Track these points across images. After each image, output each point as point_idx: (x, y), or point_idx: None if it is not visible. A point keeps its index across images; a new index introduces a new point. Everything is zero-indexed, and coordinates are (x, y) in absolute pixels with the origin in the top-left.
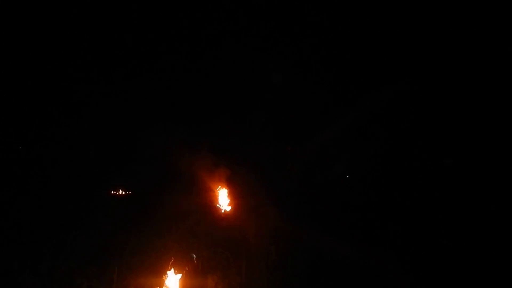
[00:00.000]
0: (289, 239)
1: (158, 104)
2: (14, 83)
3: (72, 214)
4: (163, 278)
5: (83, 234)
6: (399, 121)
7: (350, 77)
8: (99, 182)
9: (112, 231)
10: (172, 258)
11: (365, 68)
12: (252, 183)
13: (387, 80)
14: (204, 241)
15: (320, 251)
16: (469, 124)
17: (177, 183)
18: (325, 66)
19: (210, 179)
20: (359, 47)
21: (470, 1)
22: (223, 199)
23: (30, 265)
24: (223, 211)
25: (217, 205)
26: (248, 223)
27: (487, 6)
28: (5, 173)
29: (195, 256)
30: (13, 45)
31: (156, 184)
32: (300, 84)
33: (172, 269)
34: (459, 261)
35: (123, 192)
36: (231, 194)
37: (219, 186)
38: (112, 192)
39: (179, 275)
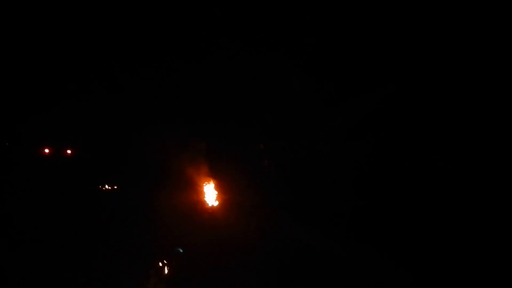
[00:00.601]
0: (273, 233)
1: (147, 102)
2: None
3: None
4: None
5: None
6: (382, 119)
7: (335, 75)
8: (86, 177)
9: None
10: (159, 254)
11: (350, 66)
12: (237, 179)
13: (371, 80)
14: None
15: (303, 245)
16: (459, 123)
17: (164, 178)
18: (311, 64)
19: (197, 175)
20: (344, 45)
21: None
22: (210, 195)
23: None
24: (210, 206)
25: (204, 200)
26: (234, 218)
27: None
28: None
29: (181, 251)
30: None
31: (142, 179)
32: (286, 82)
33: None
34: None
35: (109, 187)
36: (218, 189)
37: (206, 182)
38: (99, 187)
39: None
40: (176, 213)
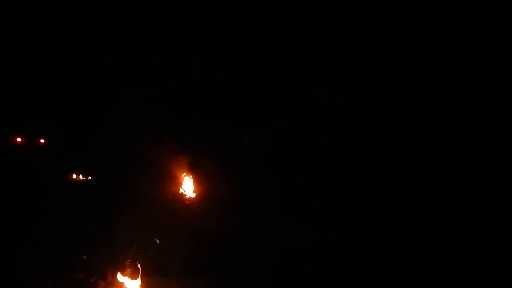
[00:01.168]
0: (250, 225)
1: (126, 94)
2: None
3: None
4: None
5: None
6: (362, 111)
7: (311, 68)
8: (56, 166)
9: (75, 218)
10: (135, 244)
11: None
12: (214, 172)
13: (347, 74)
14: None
15: (281, 237)
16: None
17: (142, 169)
18: (283, 58)
19: (175, 167)
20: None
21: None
22: (188, 186)
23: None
24: (187, 197)
25: (181, 191)
26: (211, 209)
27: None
28: None
29: (158, 241)
30: None
31: (120, 170)
32: (259, 76)
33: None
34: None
35: (83, 178)
36: (196, 181)
37: (184, 173)
38: (72, 176)
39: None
40: (152, 204)
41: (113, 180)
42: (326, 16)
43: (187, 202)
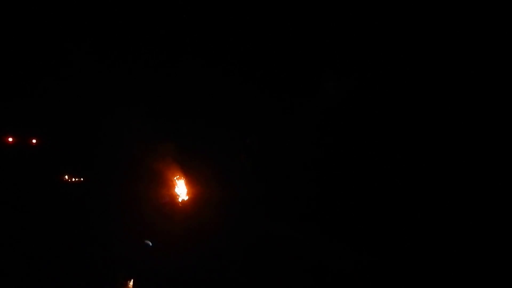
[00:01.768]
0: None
1: (120, 98)
2: None
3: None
4: None
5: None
6: (351, 114)
7: (303, 69)
8: (49, 167)
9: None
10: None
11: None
12: (207, 175)
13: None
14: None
15: (271, 237)
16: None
17: (135, 172)
18: (277, 60)
19: (168, 170)
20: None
21: None
22: (181, 189)
23: None
24: (180, 200)
25: (175, 193)
26: (203, 212)
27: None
28: None
29: (150, 244)
30: None
31: (113, 172)
32: (252, 78)
33: None
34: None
35: (75, 179)
36: (188, 184)
37: (177, 176)
38: (65, 178)
39: None
40: (145, 206)
41: (105, 182)
42: (325, 16)
43: (180, 204)
